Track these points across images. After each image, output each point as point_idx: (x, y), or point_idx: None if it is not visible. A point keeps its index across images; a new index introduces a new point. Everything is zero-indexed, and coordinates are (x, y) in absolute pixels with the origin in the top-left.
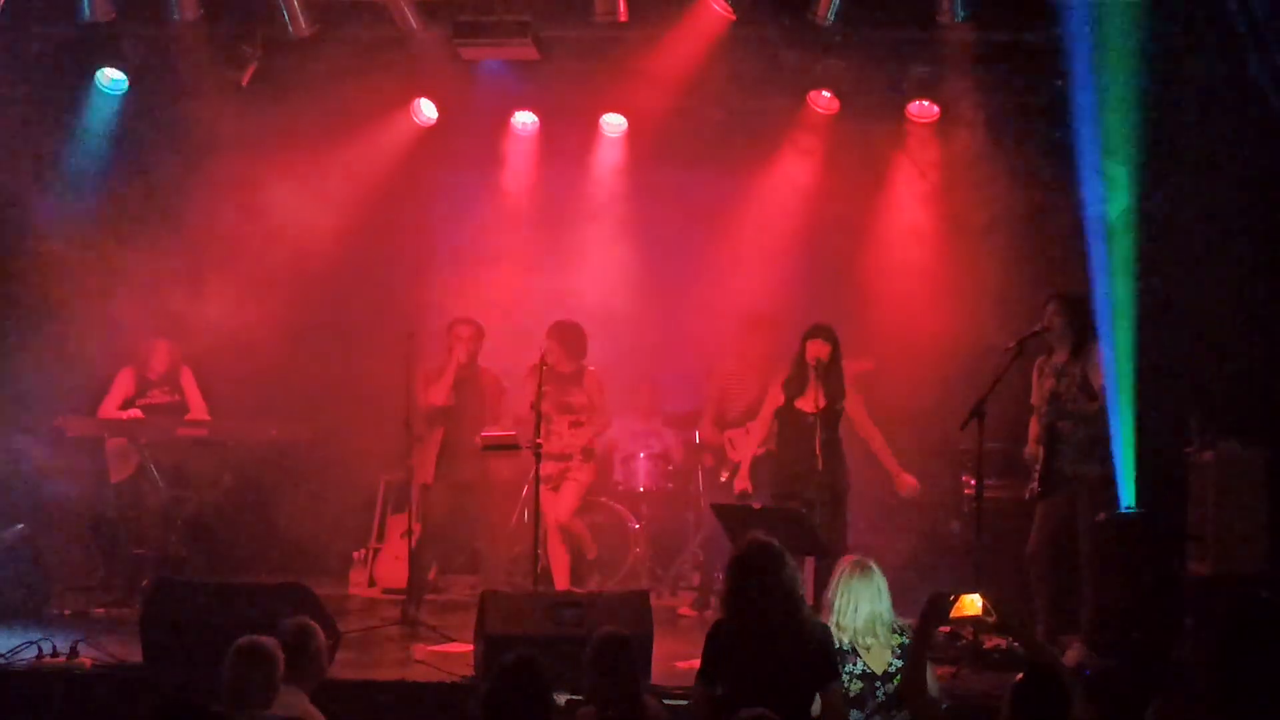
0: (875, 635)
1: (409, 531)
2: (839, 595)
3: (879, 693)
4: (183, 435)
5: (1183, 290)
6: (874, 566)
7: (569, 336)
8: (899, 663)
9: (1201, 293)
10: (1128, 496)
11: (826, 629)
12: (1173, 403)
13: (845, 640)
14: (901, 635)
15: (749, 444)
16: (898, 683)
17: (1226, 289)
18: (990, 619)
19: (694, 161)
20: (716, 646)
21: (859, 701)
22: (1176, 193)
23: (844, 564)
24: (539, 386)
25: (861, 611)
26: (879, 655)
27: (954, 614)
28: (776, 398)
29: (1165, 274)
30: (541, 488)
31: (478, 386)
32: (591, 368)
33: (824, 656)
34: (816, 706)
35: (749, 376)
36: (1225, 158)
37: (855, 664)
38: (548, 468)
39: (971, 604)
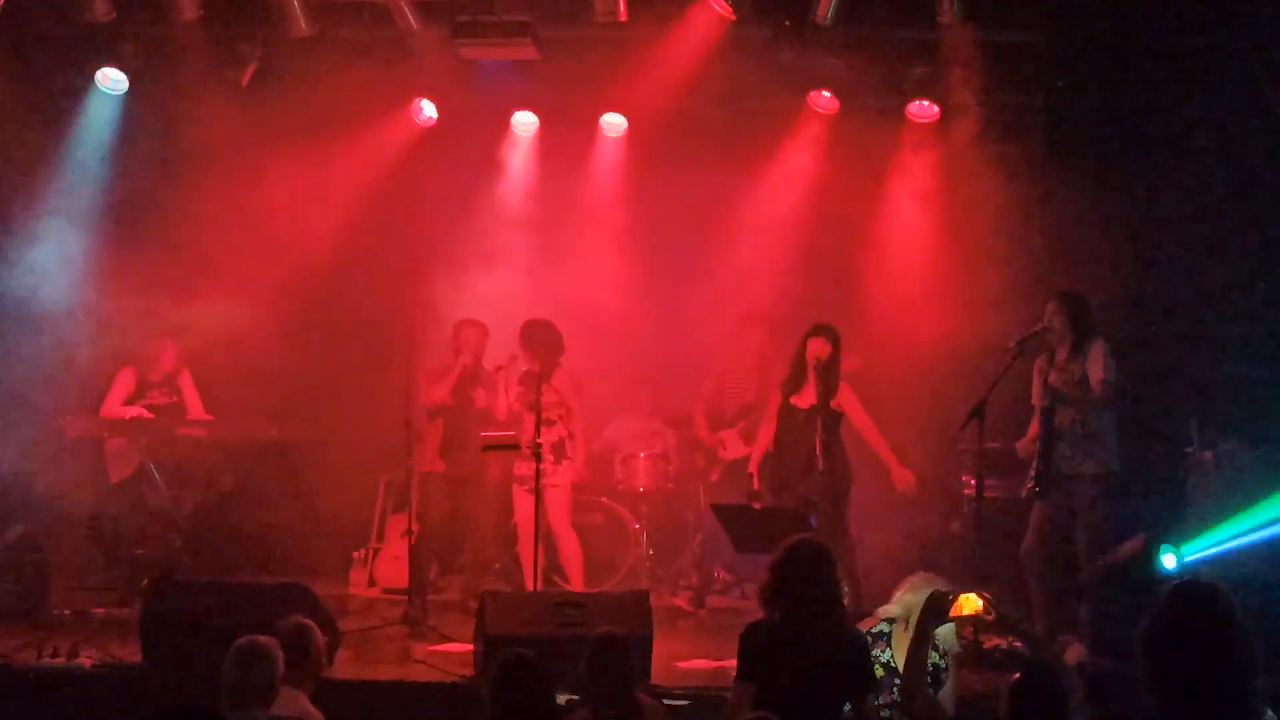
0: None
1: (409, 531)
2: (903, 589)
3: (895, 690)
4: (183, 435)
5: (1183, 290)
6: (937, 579)
7: (531, 336)
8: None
9: (1201, 292)
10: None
11: (865, 639)
12: (1173, 403)
13: (889, 627)
14: (941, 660)
15: (758, 444)
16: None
17: (1227, 288)
18: (990, 617)
19: (694, 161)
20: (754, 645)
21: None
22: (1177, 192)
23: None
24: (536, 385)
25: (906, 600)
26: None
27: (954, 613)
28: (778, 396)
29: (1165, 273)
30: (517, 487)
31: (481, 385)
32: (564, 366)
33: (861, 666)
34: None
35: (746, 375)
36: (1226, 157)
37: (884, 652)
38: (520, 467)
39: (971, 602)
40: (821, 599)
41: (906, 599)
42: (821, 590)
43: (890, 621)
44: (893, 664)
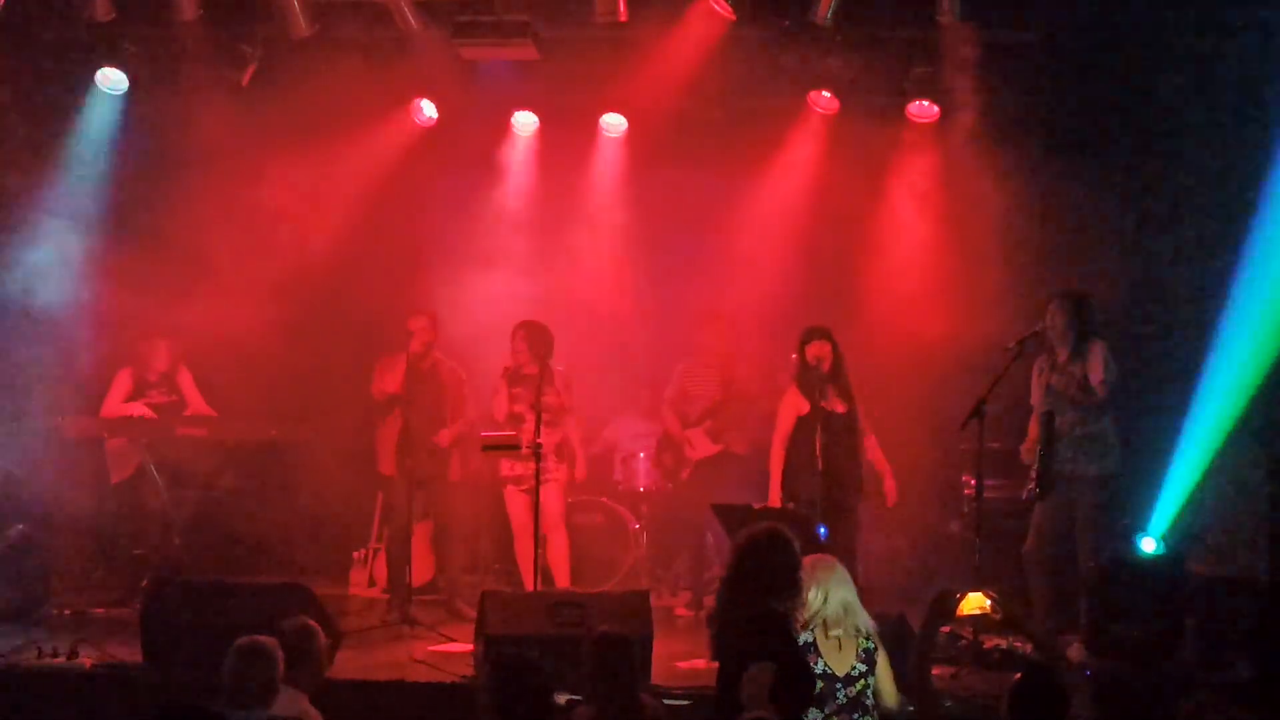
0: (844, 627)
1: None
2: (807, 588)
3: (839, 694)
4: (183, 435)
5: (1183, 289)
6: (836, 562)
7: (536, 337)
8: (863, 667)
9: (1202, 292)
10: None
11: (789, 626)
12: (1173, 403)
13: (811, 635)
14: (869, 641)
15: (775, 458)
16: (860, 687)
17: (1227, 288)
18: (997, 616)
19: (694, 161)
20: (711, 634)
21: (819, 700)
22: (1179, 192)
23: (806, 562)
24: (537, 386)
25: (833, 600)
26: (844, 657)
27: (961, 611)
28: (799, 404)
29: (1165, 273)
30: (513, 489)
31: (435, 378)
32: (559, 367)
33: (778, 652)
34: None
35: (706, 375)
36: (1226, 157)
37: (816, 663)
38: (518, 469)
39: (979, 601)
40: (762, 583)
41: (813, 600)
42: (764, 575)
43: (810, 630)
44: (830, 671)
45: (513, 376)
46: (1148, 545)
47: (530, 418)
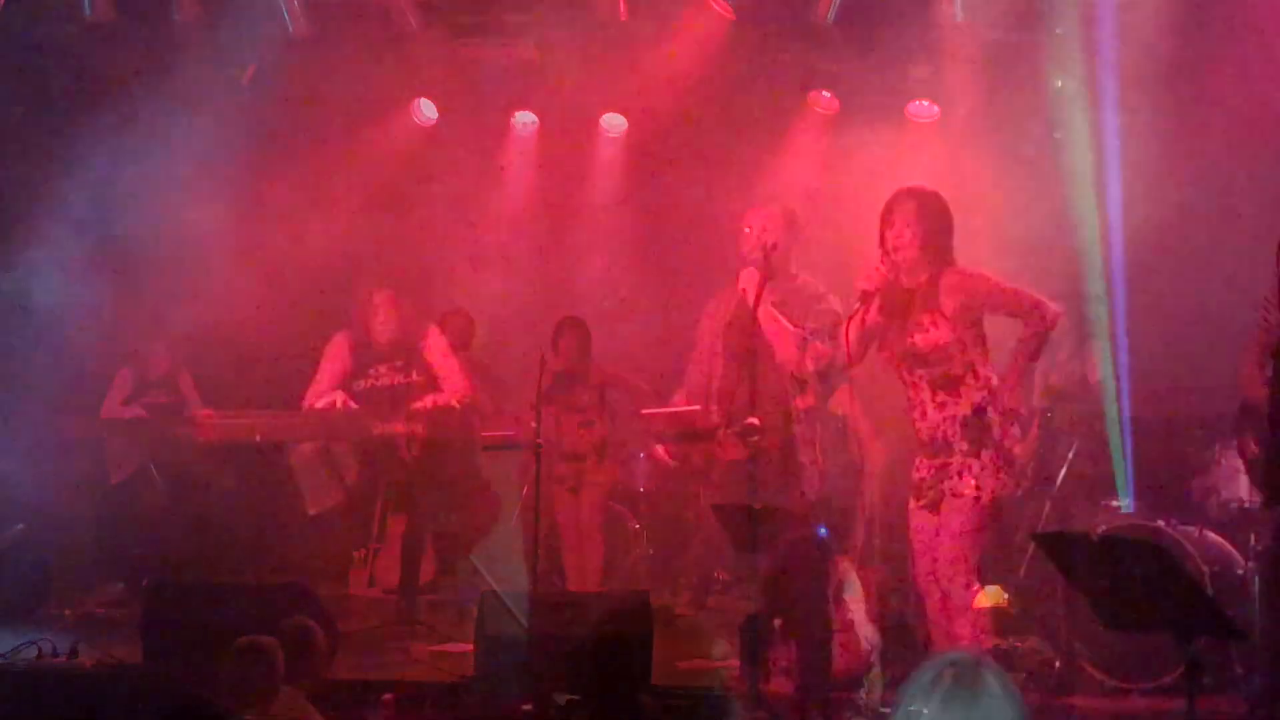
0: None
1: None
2: None
3: None
4: (183, 435)
5: (1184, 288)
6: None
7: (582, 333)
8: None
9: (1202, 291)
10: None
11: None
12: (1173, 402)
13: None
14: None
15: None
16: None
17: (1227, 288)
18: (1012, 612)
19: (694, 161)
20: (747, 638)
21: None
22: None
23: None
24: (538, 385)
25: None
26: None
27: (976, 604)
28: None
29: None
30: (557, 488)
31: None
32: (599, 363)
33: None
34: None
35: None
36: (1228, 154)
37: None
38: (560, 468)
39: (996, 595)
40: (811, 597)
41: None
42: (812, 589)
43: None
44: None
45: (560, 379)
46: None
47: (566, 420)
